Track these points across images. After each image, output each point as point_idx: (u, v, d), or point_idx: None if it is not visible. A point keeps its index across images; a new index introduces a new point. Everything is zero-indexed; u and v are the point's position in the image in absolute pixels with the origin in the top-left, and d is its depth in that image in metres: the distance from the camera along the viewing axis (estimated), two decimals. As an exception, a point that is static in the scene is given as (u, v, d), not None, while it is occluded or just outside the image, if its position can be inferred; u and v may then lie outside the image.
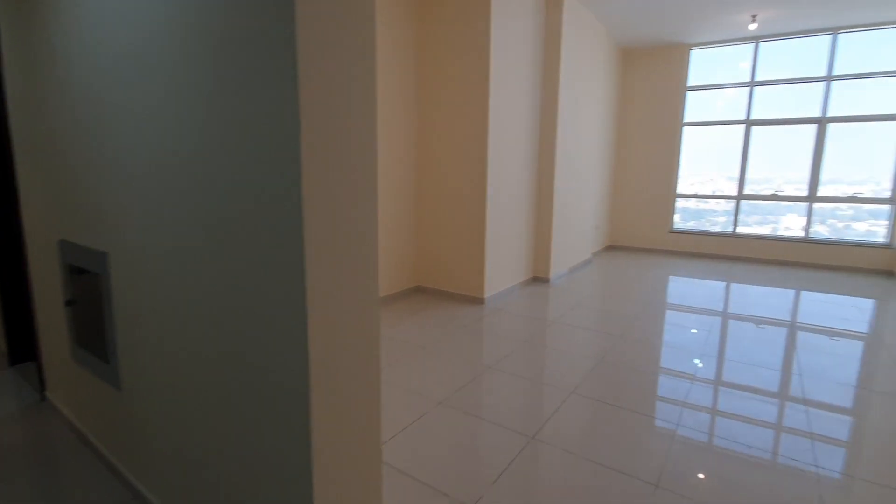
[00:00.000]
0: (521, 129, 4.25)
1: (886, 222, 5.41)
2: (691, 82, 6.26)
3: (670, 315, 3.81)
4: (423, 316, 3.62)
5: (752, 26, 5.06)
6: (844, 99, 5.43)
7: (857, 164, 5.54)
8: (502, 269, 4.17)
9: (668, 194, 6.46)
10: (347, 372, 1.02)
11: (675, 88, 6.23)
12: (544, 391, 2.41)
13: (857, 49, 5.32)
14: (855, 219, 5.79)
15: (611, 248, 6.91)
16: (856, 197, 5.53)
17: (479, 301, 3.94)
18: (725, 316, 3.84)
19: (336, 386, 0.99)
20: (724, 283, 4.96)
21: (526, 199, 4.47)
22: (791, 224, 6.02)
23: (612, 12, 4.97)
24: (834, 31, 5.33)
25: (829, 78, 5.44)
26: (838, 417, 2.20)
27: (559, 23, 4.33)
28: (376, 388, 1.13)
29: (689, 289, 4.73)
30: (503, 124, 3.92)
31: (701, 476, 1.74)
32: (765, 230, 6.14)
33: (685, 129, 6.38)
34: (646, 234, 6.67)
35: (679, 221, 6.61)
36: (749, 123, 5.94)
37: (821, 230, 5.80)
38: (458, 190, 3.95)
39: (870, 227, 5.65)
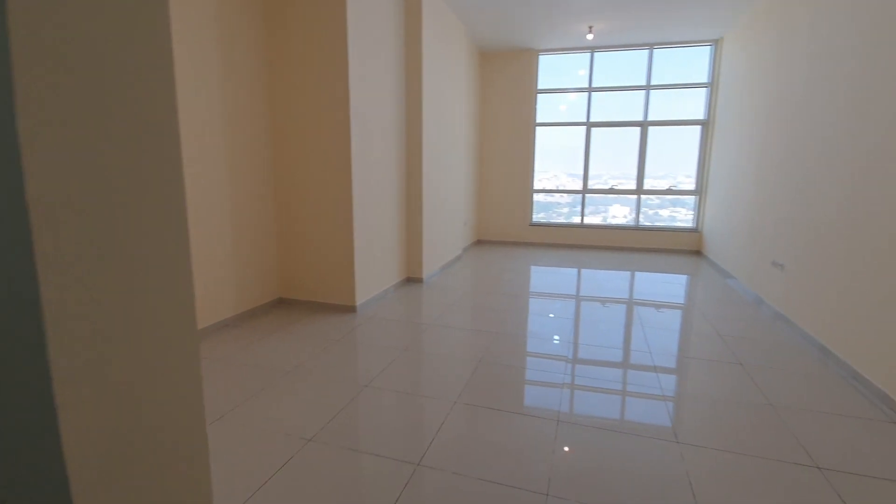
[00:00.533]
0: (386, 125, 4.03)
1: (691, 211, 6.50)
2: (541, 86, 6.73)
3: (535, 304, 3.99)
4: (288, 332, 3.20)
5: (590, 36, 5.59)
6: (661, 105, 6.35)
7: (666, 162, 6.54)
8: (374, 272, 3.93)
9: (526, 190, 6.87)
10: (143, 443, 0.70)
11: (528, 91, 6.64)
12: (426, 406, 2.25)
13: (670, 63, 6.26)
14: (660, 207, 6.89)
15: (479, 242, 7.14)
16: (672, 189, 6.53)
17: (350, 309, 3.64)
18: (579, 299, 4.17)
19: (121, 467, 0.67)
20: (576, 270, 5.43)
21: (394, 198, 4.28)
22: (616, 213, 6.94)
23: (467, 7, 5.03)
24: (651, 46, 6.18)
25: (648, 87, 6.30)
26: (677, 380, 2.47)
27: (419, 12, 4.21)
28: (202, 454, 0.82)
29: (548, 277, 5.06)
30: (366, 119, 3.65)
31: (585, 471, 1.74)
32: (598, 219, 6.93)
33: (538, 129, 6.84)
34: (509, 228, 7.03)
35: (535, 215, 7.11)
36: (589, 125, 6.61)
37: (640, 218, 6.74)
38: (322, 190, 3.59)
39: (671, 213, 6.76)
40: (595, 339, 3.18)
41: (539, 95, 6.76)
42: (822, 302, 3.02)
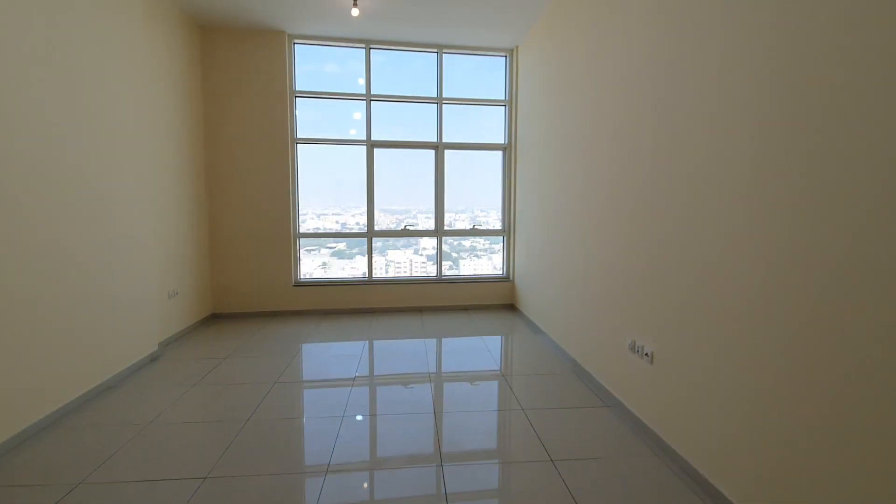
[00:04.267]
0: None
1: (497, 245, 5.31)
2: (300, 87, 4.75)
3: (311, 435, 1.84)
4: None
5: (355, 12, 3.86)
6: (460, 124, 5.04)
7: (469, 192, 5.27)
8: None
9: (286, 234, 4.71)
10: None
11: (281, 91, 4.57)
12: None
13: (467, 73, 5.01)
14: (466, 240, 5.61)
15: (215, 318, 4.61)
16: (477, 229, 5.22)
17: None
18: (373, 399, 2.20)
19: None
20: (365, 343, 3.51)
21: None
22: (425, 245, 5.34)
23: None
24: (440, 48, 4.83)
25: (440, 100, 4.93)
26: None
27: None
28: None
29: (320, 398, 2.95)
30: None
31: None
32: (398, 255, 5.23)
33: (299, 146, 4.81)
34: (263, 292, 4.72)
35: (326, 256, 4.99)
36: (370, 144, 4.89)
37: (443, 267, 5.31)
38: None
39: (473, 244, 5.51)
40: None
41: (299, 100, 4.77)
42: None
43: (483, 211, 5.31)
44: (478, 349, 3.67)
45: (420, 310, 4.96)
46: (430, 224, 5.13)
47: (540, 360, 3.42)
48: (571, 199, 3.34)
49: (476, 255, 5.39)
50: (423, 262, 5.22)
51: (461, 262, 5.33)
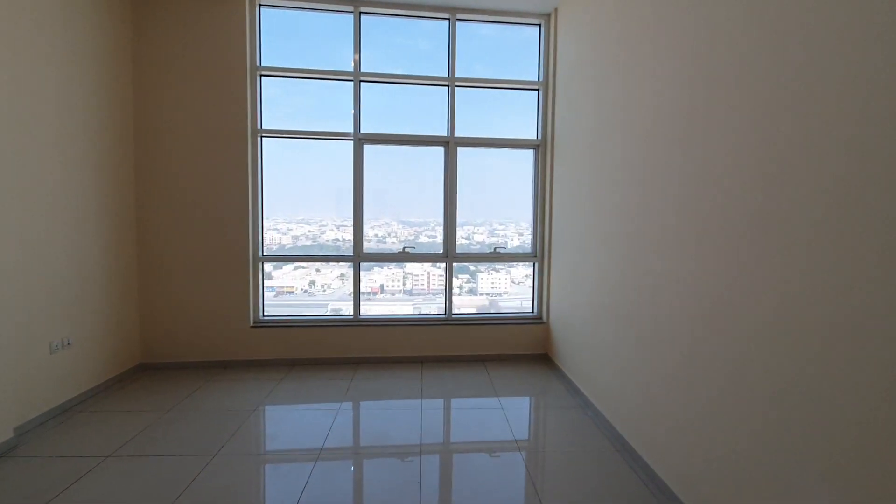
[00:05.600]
0: None
1: (531, 269, 4.02)
2: (267, 62, 3.60)
3: None
4: None
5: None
6: (473, 117, 3.81)
7: (478, 202, 4.00)
8: None
9: (243, 257, 3.52)
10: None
11: (239, 68, 3.43)
12: None
13: (484, 49, 3.80)
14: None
15: (143, 370, 3.44)
16: (499, 253, 3.95)
17: None
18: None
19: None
20: (331, 422, 2.24)
21: None
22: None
23: None
24: (452, 12, 3.64)
25: (451, 82, 3.71)
26: None
27: None
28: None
29: (251, 492, 1.73)
30: None
31: None
32: (416, 268, 3.96)
33: (264, 140, 3.65)
34: (211, 336, 3.52)
35: (344, 267, 3.79)
36: (360, 140, 3.69)
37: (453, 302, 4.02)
38: None
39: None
40: None
41: (264, 78, 3.62)
42: None
43: (502, 224, 4.03)
44: (498, 436, 2.38)
45: (421, 361, 3.70)
46: (437, 240, 3.89)
47: (601, 477, 2.11)
48: (656, 214, 2.06)
49: (494, 269, 4.11)
50: (441, 276, 3.98)
51: (479, 275, 4.07)
